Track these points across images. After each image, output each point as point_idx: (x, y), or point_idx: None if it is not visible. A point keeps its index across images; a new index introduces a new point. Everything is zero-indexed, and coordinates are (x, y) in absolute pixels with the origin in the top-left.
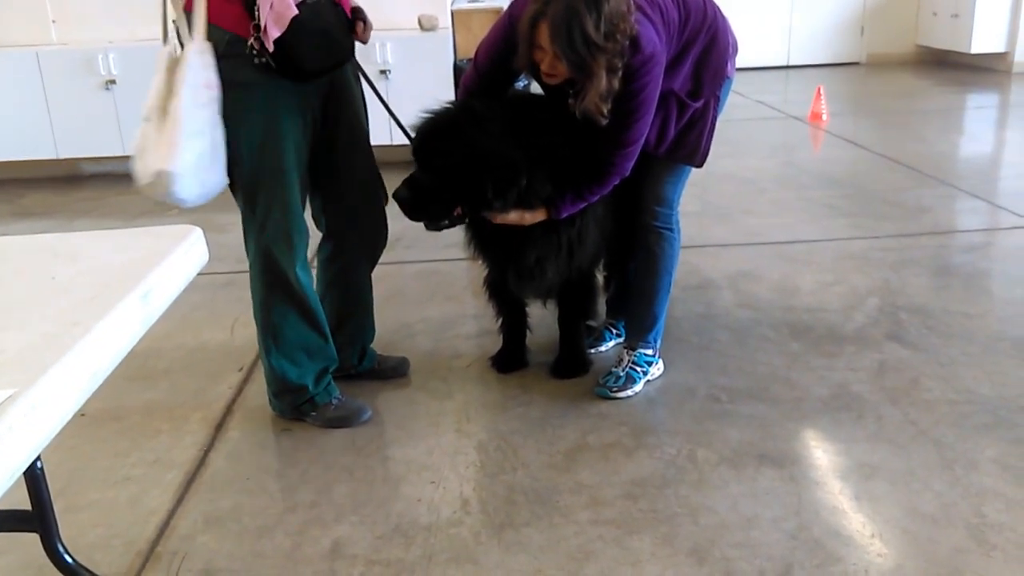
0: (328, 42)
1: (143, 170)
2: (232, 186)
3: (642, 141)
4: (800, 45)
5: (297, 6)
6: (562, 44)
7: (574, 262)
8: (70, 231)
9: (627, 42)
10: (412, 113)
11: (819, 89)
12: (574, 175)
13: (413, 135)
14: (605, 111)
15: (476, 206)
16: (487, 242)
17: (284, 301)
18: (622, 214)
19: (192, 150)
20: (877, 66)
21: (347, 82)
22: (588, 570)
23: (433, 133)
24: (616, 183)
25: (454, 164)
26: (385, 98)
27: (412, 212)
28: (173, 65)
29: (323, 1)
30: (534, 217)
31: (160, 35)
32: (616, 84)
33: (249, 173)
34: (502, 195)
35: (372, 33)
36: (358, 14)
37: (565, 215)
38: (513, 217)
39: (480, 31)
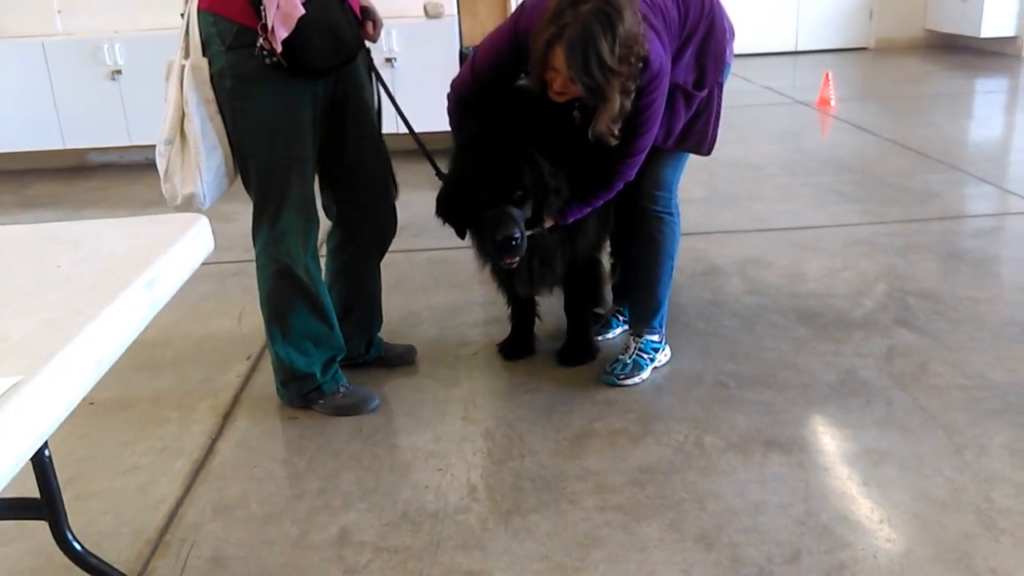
0: (336, 40)
1: (172, 192)
2: (244, 178)
3: (647, 150)
4: (808, 30)
5: (304, 5)
6: (577, 69)
7: (576, 250)
8: (77, 221)
9: (640, 64)
10: (418, 100)
11: (827, 74)
12: (581, 181)
13: (485, 159)
14: (616, 132)
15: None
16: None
17: (292, 291)
18: (622, 199)
19: (211, 168)
20: (886, 51)
21: (355, 72)
22: (595, 556)
23: (516, 159)
24: (620, 188)
25: (532, 189)
26: (391, 86)
27: (522, 248)
28: (180, 77)
29: None
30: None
31: (181, 50)
32: (628, 105)
33: (262, 165)
34: (551, 211)
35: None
36: (368, 13)
37: (571, 220)
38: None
39: (486, 18)
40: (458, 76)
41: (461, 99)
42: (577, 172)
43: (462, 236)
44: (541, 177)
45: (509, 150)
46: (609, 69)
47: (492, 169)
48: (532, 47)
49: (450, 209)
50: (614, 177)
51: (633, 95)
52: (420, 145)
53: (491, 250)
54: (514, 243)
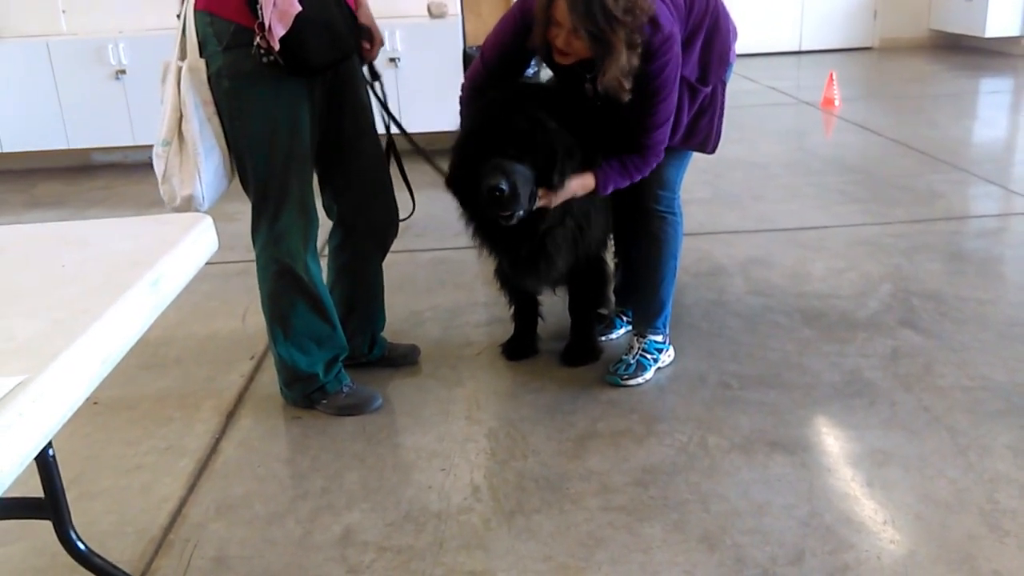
0: (333, 36)
1: (171, 194)
2: (242, 178)
3: (671, 122)
4: (812, 30)
5: (300, 2)
6: (580, 16)
7: (579, 250)
8: (82, 220)
9: (645, 19)
10: (422, 99)
11: (831, 74)
12: (612, 153)
13: (481, 118)
14: (628, 86)
15: (544, 185)
16: (497, 239)
17: (293, 291)
18: (624, 198)
19: (210, 169)
20: (890, 51)
21: (350, 70)
22: (598, 557)
23: (512, 114)
24: (653, 167)
25: (538, 143)
26: (395, 86)
27: (512, 202)
28: (177, 78)
29: None
30: (583, 187)
31: (178, 51)
32: (636, 61)
33: (260, 165)
34: (564, 173)
35: (381, 20)
36: (368, 32)
37: (611, 189)
38: (567, 191)
39: (490, 17)
40: (470, 69)
41: (473, 88)
42: (593, 147)
43: (467, 208)
44: (545, 134)
45: (507, 107)
46: (613, 17)
47: (489, 124)
48: (535, 6)
49: (455, 174)
50: (646, 152)
51: (639, 50)
52: (416, 146)
53: (483, 203)
54: (499, 193)
